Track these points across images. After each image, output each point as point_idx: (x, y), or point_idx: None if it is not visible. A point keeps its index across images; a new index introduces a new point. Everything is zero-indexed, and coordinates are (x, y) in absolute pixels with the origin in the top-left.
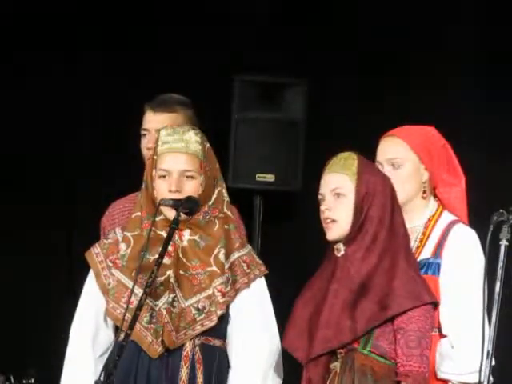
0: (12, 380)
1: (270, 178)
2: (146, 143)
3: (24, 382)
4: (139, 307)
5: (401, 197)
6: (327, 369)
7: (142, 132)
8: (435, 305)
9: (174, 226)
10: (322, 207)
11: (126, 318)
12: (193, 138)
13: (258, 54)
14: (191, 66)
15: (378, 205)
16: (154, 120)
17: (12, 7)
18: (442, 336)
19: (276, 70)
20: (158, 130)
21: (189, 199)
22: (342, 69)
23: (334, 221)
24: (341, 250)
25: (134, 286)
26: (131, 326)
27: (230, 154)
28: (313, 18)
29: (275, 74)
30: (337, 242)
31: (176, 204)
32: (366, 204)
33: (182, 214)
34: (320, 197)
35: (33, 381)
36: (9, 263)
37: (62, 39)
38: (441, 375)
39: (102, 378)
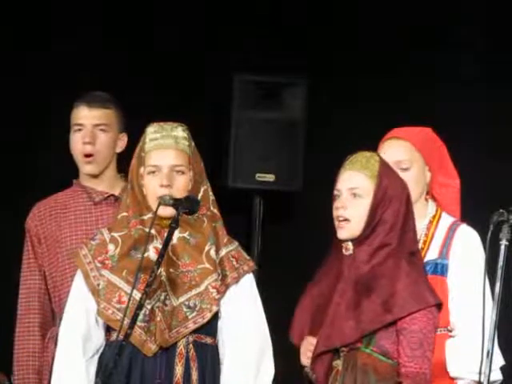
0: (12, 380)
1: (270, 177)
2: (81, 138)
3: None
4: (140, 307)
5: None
6: (331, 366)
7: (76, 127)
8: (439, 306)
9: (174, 225)
10: (337, 204)
11: (120, 317)
12: (180, 134)
13: (258, 54)
14: (191, 65)
15: (393, 210)
16: (89, 115)
17: None
18: (451, 335)
19: (276, 69)
20: (95, 126)
21: (188, 199)
22: (342, 69)
23: (346, 220)
24: (349, 249)
25: (134, 287)
26: (132, 326)
27: (230, 154)
28: (313, 17)
29: (275, 73)
30: (346, 240)
31: (176, 203)
32: (381, 208)
33: (174, 213)
34: (336, 193)
35: None
36: (9, 263)
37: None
38: (454, 373)
39: (101, 377)
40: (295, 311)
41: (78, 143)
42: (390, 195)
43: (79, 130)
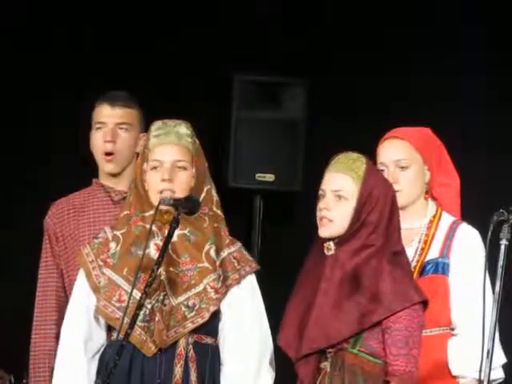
0: (12, 380)
1: (270, 177)
2: (102, 136)
3: (24, 381)
4: (139, 307)
5: (408, 198)
6: (318, 368)
7: (97, 125)
8: (425, 303)
9: (175, 225)
10: (321, 205)
11: (119, 316)
12: (184, 131)
13: (259, 54)
14: (191, 65)
15: (377, 212)
16: (112, 114)
17: None
18: (453, 334)
19: (276, 69)
20: (117, 124)
21: (189, 198)
22: (342, 69)
23: (330, 221)
24: (331, 249)
25: (133, 286)
26: (131, 326)
27: (230, 153)
28: (313, 17)
29: (275, 73)
30: (328, 239)
31: (176, 203)
32: (365, 210)
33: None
34: (321, 192)
35: None
36: (11, 264)
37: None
38: (456, 372)
39: (101, 377)
40: (284, 315)
41: (98, 141)
42: (375, 198)
43: (100, 128)
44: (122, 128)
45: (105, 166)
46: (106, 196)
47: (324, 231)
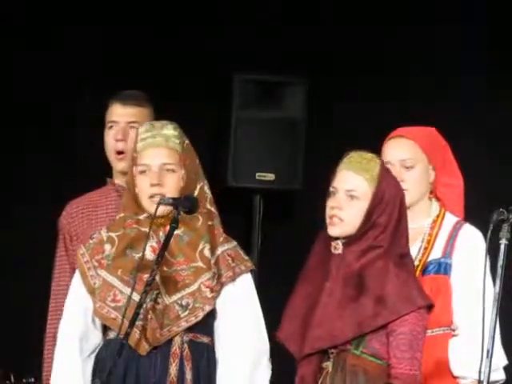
0: (12, 379)
1: (270, 177)
2: (114, 135)
3: (24, 381)
4: (139, 306)
5: (413, 198)
6: (320, 367)
7: (110, 124)
8: (429, 307)
9: (174, 225)
10: (332, 203)
11: (114, 316)
12: (171, 133)
13: (259, 53)
14: (191, 65)
15: (387, 213)
16: (123, 113)
17: None
18: (454, 334)
19: (276, 69)
20: (128, 123)
21: (188, 198)
22: (342, 69)
23: (341, 220)
24: (339, 248)
25: (133, 288)
26: (131, 325)
27: (230, 153)
28: (313, 17)
29: (275, 73)
30: (336, 238)
31: (175, 203)
32: (377, 212)
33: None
34: (332, 190)
35: (33, 380)
36: (11, 263)
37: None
38: (457, 372)
39: (99, 377)
40: (285, 311)
41: (110, 140)
42: (386, 200)
43: (112, 127)
44: (133, 127)
45: (117, 165)
46: (118, 195)
47: (334, 230)
